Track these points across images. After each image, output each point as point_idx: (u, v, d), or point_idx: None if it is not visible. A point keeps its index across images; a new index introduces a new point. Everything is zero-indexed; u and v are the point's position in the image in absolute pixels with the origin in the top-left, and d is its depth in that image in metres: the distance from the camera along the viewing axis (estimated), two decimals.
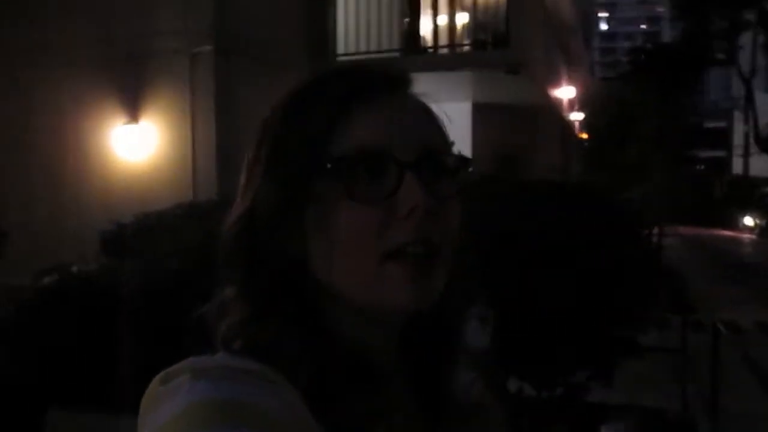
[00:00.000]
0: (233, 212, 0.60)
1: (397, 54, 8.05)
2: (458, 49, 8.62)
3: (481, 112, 9.60)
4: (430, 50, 8.65)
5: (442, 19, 8.17)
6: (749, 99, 25.91)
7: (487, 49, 8.08)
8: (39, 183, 6.18)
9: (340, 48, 7.74)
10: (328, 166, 0.54)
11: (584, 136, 20.65)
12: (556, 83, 11.96)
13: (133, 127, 5.83)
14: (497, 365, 2.07)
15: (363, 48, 7.62)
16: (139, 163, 5.82)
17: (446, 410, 0.64)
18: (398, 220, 0.54)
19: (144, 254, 2.98)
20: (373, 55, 7.56)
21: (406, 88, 0.61)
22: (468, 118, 9.53)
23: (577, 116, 18.52)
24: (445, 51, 8.47)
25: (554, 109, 11.49)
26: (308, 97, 0.58)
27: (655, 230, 12.91)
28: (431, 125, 0.60)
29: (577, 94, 16.09)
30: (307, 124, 0.56)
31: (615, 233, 2.74)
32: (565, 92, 13.92)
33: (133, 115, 5.83)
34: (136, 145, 5.84)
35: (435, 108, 0.63)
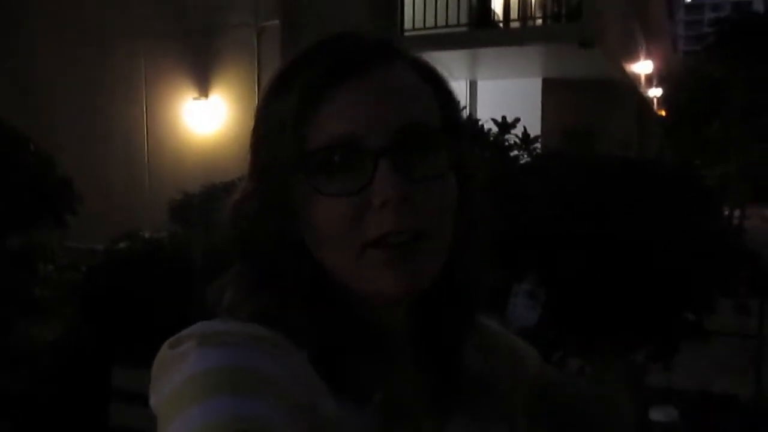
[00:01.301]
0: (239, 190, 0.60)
1: (465, 29, 7.91)
2: (530, 23, 8.38)
3: (551, 88, 9.33)
4: (501, 24, 8.46)
5: None
6: None
7: (561, 21, 7.81)
8: (115, 153, 6.48)
9: (408, 23, 7.66)
10: (295, 161, 0.54)
11: (663, 113, 19.76)
12: (633, 57, 11.46)
13: (203, 102, 6.00)
14: (551, 342, 2.03)
15: (430, 23, 7.51)
16: (208, 136, 6.00)
17: (455, 381, 0.64)
18: (374, 209, 0.53)
19: (209, 222, 3.08)
20: (440, 30, 7.45)
21: (389, 60, 0.57)
22: (538, 94, 9.29)
23: (655, 92, 17.71)
24: (516, 25, 8.25)
25: (630, 84, 11.02)
26: (283, 83, 0.57)
27: (737, 211, 12.25)
28: (414, 100, 0.56)
29: (656, 68, 15.36)
30: (280, 115, 0.55)
31: (690, 212, 2.62)
32: (642, 67, 13.32)
33: (203, 89, 5.99)
34: (206, 118, 6.01)
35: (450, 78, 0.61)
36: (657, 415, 1.38)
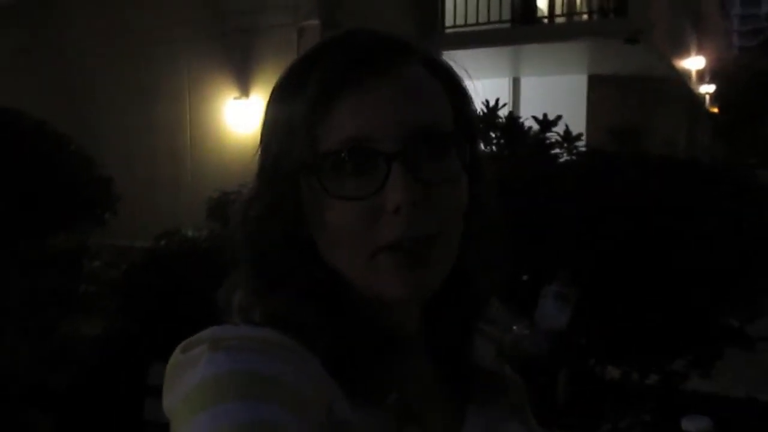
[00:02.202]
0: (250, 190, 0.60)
1: (508, 25, 7.80)
2: (575, 18, 8.21)
3: (597, 85, 9.12)
4: (545, 20, 8.31)
5: None
6: None
7: (608, 16, 7.62)
8: (159, 152, 6.62)
9: (449, 20, 7.59)
10: (307, 163, 0.53)
11: (715, 110, 19.10)
12: (684, 52, 11.10)
13: (243, 101, 6.07)
14: (582, 346, 1.96)
15: (472, 20, 7.43)
16: (248, 135, 6.07)
17: (466, 379, 0.63)
18: (386, 214, 0.52)
19: None
20: (482, 27, 7.36)
21: (404, 59, 0.56)
22: (583, 91, 9.09)
23: (707, 88, 17.14)
24: (561, 20, 8.09)
25: (680, 80, 10.68)
26: (295, 81, 0.56)
27: None
28: (428, 101, 0.55)
29: (708, 64, 14.86)
30: (292, 114, 0.54)
31: (741, 212, 2.50)
32: (694, 62, 12.90)
33: (244, 89, 6.06)
34: (246, 118, 6.08)
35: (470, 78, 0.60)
36: (689, 425, 1.31)
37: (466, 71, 0.63)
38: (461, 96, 0.59)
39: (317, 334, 0.53)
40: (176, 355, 0.50)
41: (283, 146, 0.55)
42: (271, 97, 0.59)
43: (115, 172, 3.50)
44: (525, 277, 1.90)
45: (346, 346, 0.54)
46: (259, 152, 0.59)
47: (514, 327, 1.56)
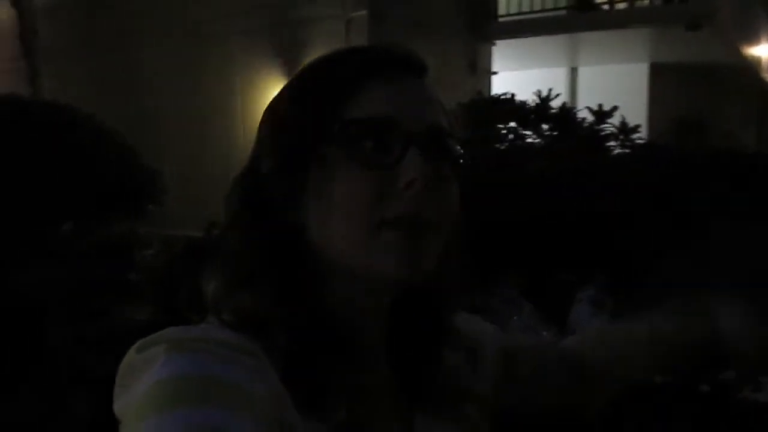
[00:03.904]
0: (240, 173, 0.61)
1: (564, 12, 7.55)
2: (636, 3, 7.88)
3: (659, 74, 8.76)
4: (604, 6, 8.01)
5: None
6: None
7: (671, 1, 7.29)
8: (213, 142, 6.75)
9: (502, 9, 7.41)
10: (336, 128, 0.55)
11: None
12: (754, 39, 10.53)
13: None
14: None
15: (526, 8, 7.23)
16: None
17: (426, 393, 0.63)
18: (398, 189, 0.55)
19: None
20: (536, 15, 7.15)
21: (417, 75, 0.61)
22: (644, 80, 8.75)
23: None
24: (622, 6, 7.78)
25: (750, 69, 10.14)
26: (324, 68, 0.59)
27: None
28: (440, 110, 0.60)
29: None
30: (320, 92, 0.57)
31: None
32: (763, 49, 12.23)
33: None
34: None
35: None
36: None
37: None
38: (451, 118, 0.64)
39: (275, 339, 0.53)
40: (131, 355, 0.49)
41: (309, 118, 0.57)
42: (291, 82, 0.61)
43: (168, 162, 3.57)
44: (563, 278, 1.80)
45: (302, 354, 0.54)
46: (267, 131, 0.60)
47: (545, 332, 1.49)
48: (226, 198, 0.61)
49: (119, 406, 0.47)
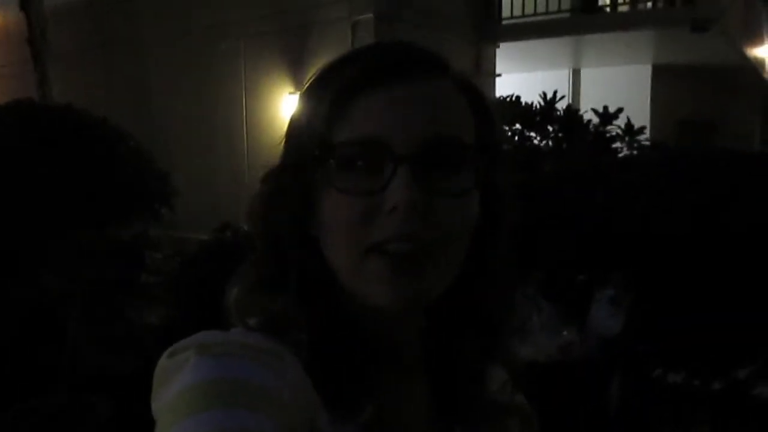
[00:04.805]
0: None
1: (567, 14, 7.57)
2: (639, 6, 7.90)
3: (662, 75, 8.75)
4: (607, 9, 8.03)
5: None
6: None
7: (674, 4, 7.30)
8: (219, 147, 6.78)
9: (505, 11, 7.43)
10: (318, 153, 0.54)
11: None
12: (758, 40, 10.54)
13: (298, 97, 6.12)
14: (642, 352, 1.87)
15: (529, 10, 7.25)
16: None
17: (464, 407, 0.62)
18: (384, 214, 0.52)
19: None
20: (540, 18, 7.18)
21: (430, 72, 0.56)
22: (647, 82, 8.75)
23: None
24: (624, 9, 7.80)
25: (754, 70, 10.14)
26: (319, 83, 0.57)
27: None
28: (449, 113, 0.55)
29: None
30: (313, 109, 0.56)
31: None
32: None
33: (299, 84, 6.11)
34: None
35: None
36: None
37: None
38: (486, 116, 0.59)
39: (301, 340, 0.53)
40: (163, 360, 0.50)
41: (301, 139, 0.56)
42: (299, 97, 0.60)
43: (176, 166, 3.59)
44: (581, 278, 1.83)
45: (330, 356, 0.54)
46: (283, 146, 0.60)
47: (564, 332, 1.51)
48: (250, 204, 0.60)
49: (154, 409, 0.48)
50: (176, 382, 0.46)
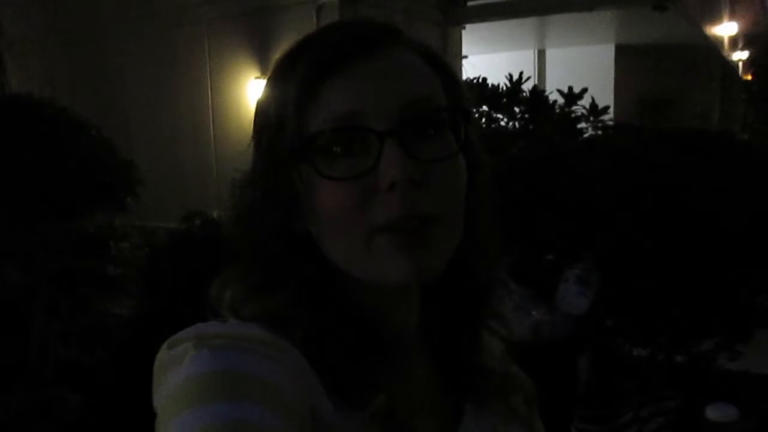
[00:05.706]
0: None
1: None
2: None
3: (624, 55, 8.89)
4: None
5: None
6: None
7: None
8: (184, 133, 6.66)
9: None
10: (298, 145, 0.52)
11: (749, 77, 18.49)
12: (716, 19, 10.74)
13: (264, 81, 6.04)
14: (608, 328, 1.92)
15: None
16: None
17: (469, 379, 0.62)
18: (382, 193, 0.51)
19: None
20: None
21: (392, 44, 0.55)
22: (610, 61, 8.87)
23: (741, 55, 16.58)
24: None
25: (712, 48, 10.35)
26: (283, 69, 0.55)
27: None
28: (418, 77, 0.54)
29: (742, 29, 14.36)
30: (281, 101, 0.54)
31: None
32: (726, 28, 12.46)
33: (265, 69, 6.03)
34: None
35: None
36: (714, 413, 1.27)
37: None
38: (452, 80, 0.58)
39: (305, 333, 0.52)
40: (163, 352, 0.49)
41: (274, 132, 0.54)
42: (264, 86, 0.58)
43: (141, 154, 3.51)
44: (549, 257, 1.86)
45: (332, 345, 0.53)
46: (252, 141, 0.58)
47: (534, 311, 1.54)
48: (237, 199, 0.58)
49: (155, 402, 0.48)
50: (176, 374, 0.46)
